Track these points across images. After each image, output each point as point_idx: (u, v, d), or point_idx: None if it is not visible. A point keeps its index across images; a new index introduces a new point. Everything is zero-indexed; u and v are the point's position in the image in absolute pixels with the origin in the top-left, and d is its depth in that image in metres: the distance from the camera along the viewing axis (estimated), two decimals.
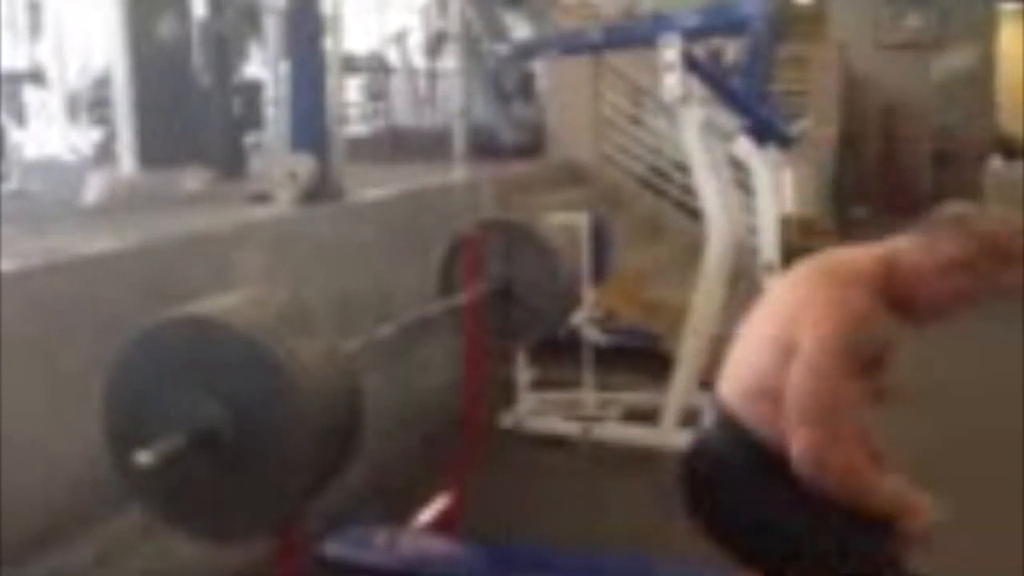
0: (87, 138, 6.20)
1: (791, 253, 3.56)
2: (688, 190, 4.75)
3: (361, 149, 5.63)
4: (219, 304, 1.72)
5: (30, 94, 7.24)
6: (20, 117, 6.70)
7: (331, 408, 1.68)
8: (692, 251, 3.94)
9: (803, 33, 8.20)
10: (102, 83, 5.85)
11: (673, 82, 3.66)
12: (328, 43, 3.84)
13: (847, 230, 9.45)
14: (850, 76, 9.92)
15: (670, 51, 3.60)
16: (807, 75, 8.97)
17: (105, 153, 5.27)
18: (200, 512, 1.71)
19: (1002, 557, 2.84)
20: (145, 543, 2.41)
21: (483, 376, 2.80)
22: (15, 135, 5.31)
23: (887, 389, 1.99)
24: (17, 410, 2.25)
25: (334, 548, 2.17)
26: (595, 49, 4.70)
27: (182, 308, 1.69)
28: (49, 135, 6.79)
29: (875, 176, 10.79)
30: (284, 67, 3.72)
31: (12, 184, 4.55)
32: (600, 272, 3.99)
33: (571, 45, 4.54)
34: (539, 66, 6.39)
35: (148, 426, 1.64)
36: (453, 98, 5.56)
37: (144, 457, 1.56)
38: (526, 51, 5.45)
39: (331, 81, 3.89)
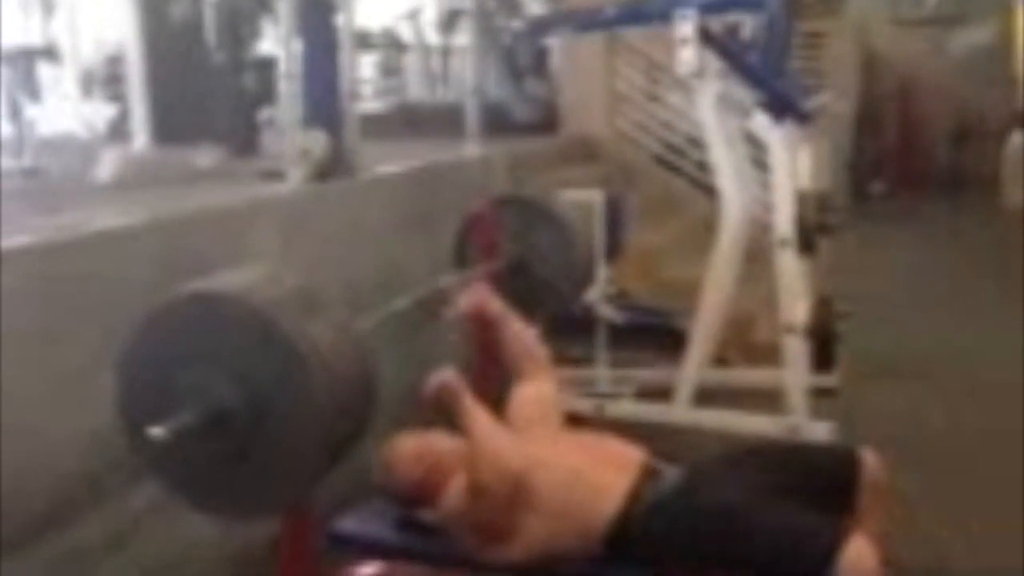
0: (101, 114, 6.19)
1: (807, 229, 3.53)
2: (703, 166, 4.72)
3: (374, 126, 5.60)
4: (231, 281, 1.71)
5: (45, 71, 7.23)
6: (35, 93, 6.69)
7: (343, 386, 1.68)
8: (707, 228, 3.90)
9: (821, 9, 8.12)
10: (116, 59, 5.85)
11: (688, 56, 3.61)
12: (340, 19, 3.82)
13: (864, 206, 9.41)
14: (868, 52, 9.83)
15: (686, 25, 3.55)
16: (824, 51, 8.89)
17: (119, 130, 5.27)
18: (212, 489, 1.71)
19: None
20: (159, 521, 2.42)
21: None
22: (29, 111, 5.30)
23: None
24: (30, 387, 2.25)
25: (347, 525, 2.16)
26: (610, 25, 4.65)
27: (194, 285, 1.68)
28: (64, 112, 6.79)
29: (893, 152, 10.72)
30: (296, 43, 3.69)
31: (26, 160, 4.55)
32: (614, 249, 3.97)
33: (586, 22, 4.49)
34: (553, 43, 6.34)
35: (161, 403, 1.64)
36: (467, 75, 5.52)
37: (156, 433, 1.56)
38: (540, 28, 5.40)
39: (344, 57, 3.86)
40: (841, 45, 8.98)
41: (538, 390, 2.31)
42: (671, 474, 2.01)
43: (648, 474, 2.01)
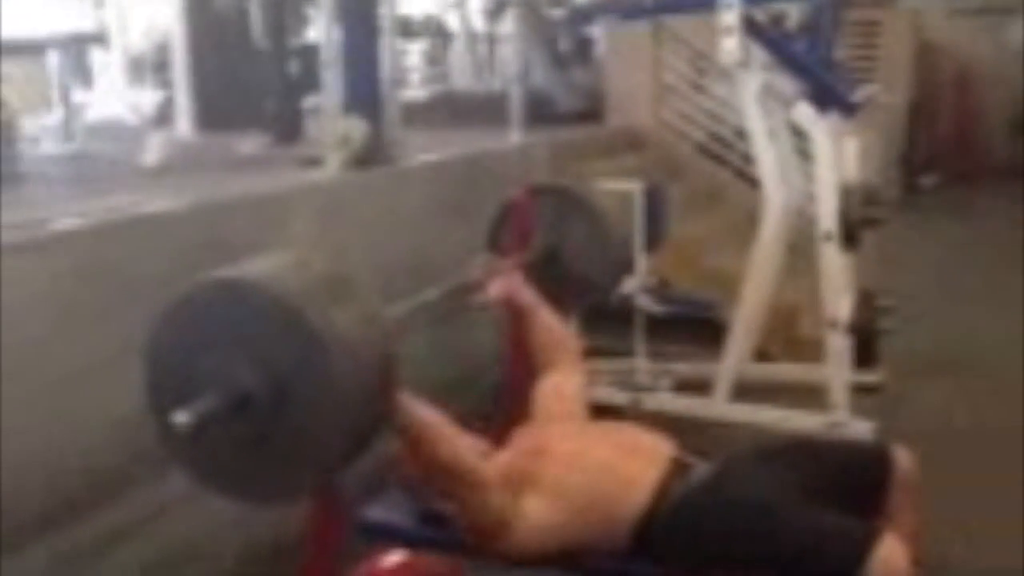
0: (150, 100, 6.27)
1: (851, 223, 3.46)
2: (749, 158, 4.65)
3: (418, 113, 5.62)
4: (257, 267, 1.71)
5: (97, 57, 7.35)
6: (86, 79, 6.80)
7: (366, 374, 1.67)
8: (751, 220, 3.85)
9: None
10: (165, 46, 5.92)
11: (732, 46, 3.56)
12: (382, 7, 3.82)
13: (914, 200, 9.23)
14: (923, 42, 9.62)
15: (730, 14, 3.50)
16: (878, 41, 8.74)
17: (166, 115, 5.34)
18: (236, 475, 1.72)
19: None
20: (194, 505, 2.44)
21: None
22: (79, 96, 5.39)
23: None
24: (74, 367, 2.29)
25: (375, 513, 2.17)
26: (653, 13, 4.61)
27: (219, 270, 1.68)
28: (114, 97, 6.89)
29: (948, 145, 10.50)
30: (338, 31, 3.70)
31: (74, 145, 4.63)
32: (654, 240, 3.93)
33: (629, 9, 4.45)
34: (597, 31, 6.30)
35: (187, 387, 1.64)
36: (512, 63, 5.51)
37: (181, 417, 1.57)
38: (583, 15, 5.36)
39: (384, 45, 3.87)
40: (895, 35, 8.82)
41: (563, 382, 2.30)
42: (700, 469, 1.99)
43: (677, 469, 1.98)
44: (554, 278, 2.83)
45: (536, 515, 1.93)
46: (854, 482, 1.96)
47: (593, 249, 2.85)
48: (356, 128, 3.54)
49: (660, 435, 2.11)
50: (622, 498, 1.93)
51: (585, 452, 2.03)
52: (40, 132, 4.76)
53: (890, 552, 1.70)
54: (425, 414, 1.84)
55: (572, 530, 1.93)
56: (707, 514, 1.88)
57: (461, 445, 1.89)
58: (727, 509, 1.87)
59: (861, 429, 3.40)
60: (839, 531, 1.77)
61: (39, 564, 2.21)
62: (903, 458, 2.00)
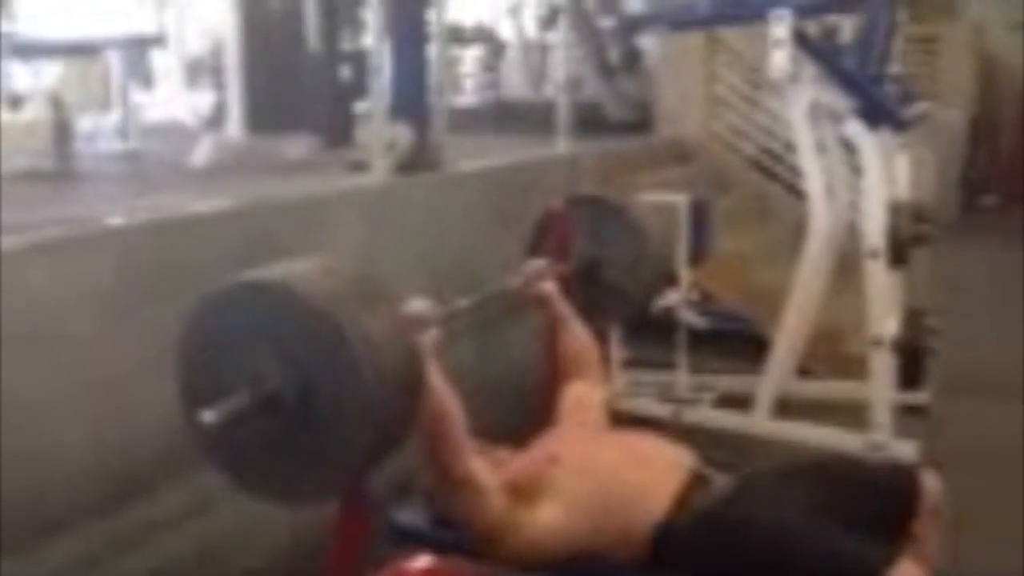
0: (206, 102, 6.38)
1: (899, 240, 3.41)
2: (799, 172, 4.60)
3: (468, 120, 5.64)
4: (288, 270, 1.73)
5: (158, 59, 7.50)
6: (146, 80, 6.94)
7: (395, 378, 1.68)
8: (800, 235, 3.81)
9: (934, 12, 7.85)
10: (221, 49, 6.02)
11: (781, 59, 3.53)
12: (432, 13, 3.85)
13: (972, 219, 9.05)
14: (985, 57, 9.44)
15: (780, 27, 3.47)
16: (938, 56, 8.59)
17: (220, 118, 5.42)
18: (265, 474, 1.73)
19: None
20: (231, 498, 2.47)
21: None
22: (138, 97, 5.50)
23: None
24: (115, 362, 2.33)
25: (403, 516, 2.17)
26: (704, 23, 4.58)
27: (251, 272, 1.71)
28: (173, 99, 7.03)
29: (1009, 164, 10.27)
30: (387, 37, 3.73)
31: (129, 145, 4.72)
32: (699, 253, 3.91)
33: (680, 19, 4.43)
34: (648, 41, 6.28)
35: (216, 387, 1.67)
36: (559, 71, 5.51)
37: (208, 416, 1.59)
38: (634, 25, 5.35)
39: (434, 51, 3.89)
40: (955, 49, 8.68)
41: (587, 392, 2.30)
42: (720, 483, 1.97)
43: (697, 482, 1.96)
44: (593, 289, 2.83)
45: (548, 519, 1.93)
46: (879, 504, 1.93)
47: (632, 261, 2.83)
48: (402, 134, 3.57)
49: (681, 447, 2.09)
50: (638, 508, 1.91)
51: (602, 460, 2.02)
52: (96, 131, 4.87)
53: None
54: (446, 405, 1.86)
55: (585, 536, 1.93)
56: (724, 530, 1.86)
57: (465, 447, 1.91)
58: (745, 526, 1.85)
59: (903, 450, 3.35)
60: (855, 554, 1.75)
61: (91, 549, 2.25)
62: (931, 482, 1.96)
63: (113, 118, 5.28)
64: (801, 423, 3.66)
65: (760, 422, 3.71)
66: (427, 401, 1.80)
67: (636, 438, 2.16)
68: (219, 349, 1.69)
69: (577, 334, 2.42)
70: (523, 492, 1.96)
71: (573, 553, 1.93)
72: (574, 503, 1.94)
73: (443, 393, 1.89)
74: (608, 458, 2.03)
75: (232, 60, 4.24)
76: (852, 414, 3.55)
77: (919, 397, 3.61)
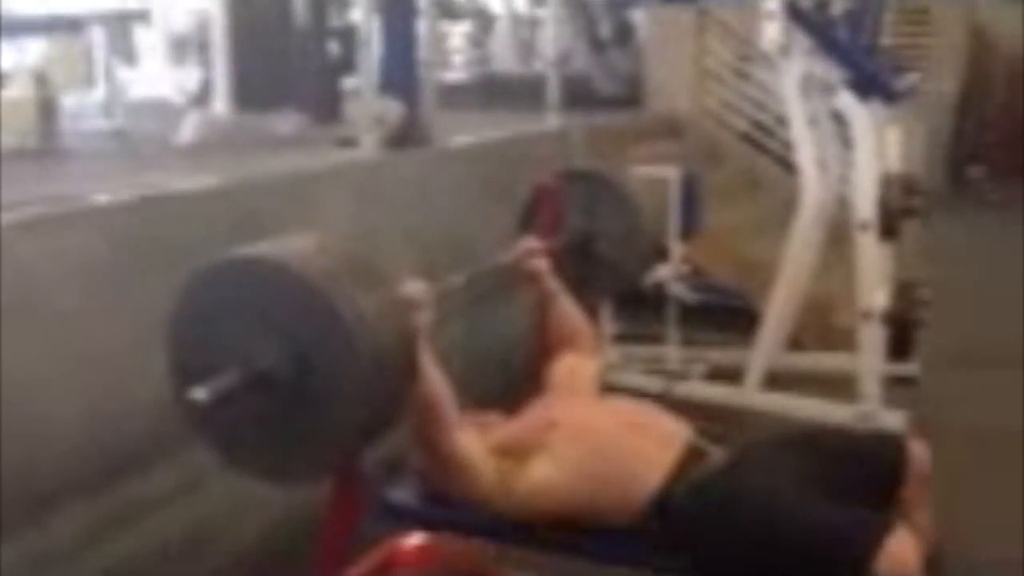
0: (192, 79, 6.32)
1: (889, 213, 3.40)
2: (790, 146, 4.59)
3: (459, 96, 5.61)
4: (280, 246, 1.71)
5: (143, 36, 7.42)
6: (130, 57, 6.87)
7: (389, 354, 1.67)
8: (790, 209, 3.81)
9: None
10: (207, 24, 5.96)
11: (774, 32, 3.51)
12: None
13: (959, 191, 9.06)
14: (975, 29, 9.42)
15: None
16: (928, 28, 8.57)
17: (207, 94, 5.37)
18: (257, 452, 1.72)
19: None
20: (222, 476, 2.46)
21: None
22: (122, 74, 5.44)
23: None
24: (104, 338, 2.31)
25: (396, 494, 2.17)
26: None
27: (243, 248, 1.69)
28: (158, 76, 6.96)
29: (997, 137, 10.27)
30: (376, 12, 3.70)
31: (114, 122, 4.67)
32: (689, 227, 3.90)
33: None
34: (639, 15, 6.24)
35: (208, 364, 1.65)
36: (548, 46, 5.48)
37: (199, 394, 1.57)
38: None
39: (423, 26, 3.86)
40: (946, 23, 8.65)
41: (579, 363, 2.31)
42: (716, 456, 1.97)
43: (693, 454, 1.97)
44: (584, 264, 2.81)
45: (544, 482, 1.94)
46: (869, 474, 1.93)
47: (624, 235, 2.82)
48: (391, 109, 3.54)
49: (678, 418, 2.09)
50: (635, 476, 1.92)
51: (600, 427, 2.03)
52: (81, 109, 4.82)
53: (901, 545, 1.67)
54: (436, 386, 1.88)
55: (580, 502, 1.93)
56: (719, 501, 1.86)
57: (455, 426, 1.92)
58: (740, 497, 1.85)
59: (892, 420, 3.36)
60: (850, 523, 1.75)
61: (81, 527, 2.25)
62: (919, 451, 1.96)
63: (98, 95, 5.22)
64: (791, 395, 3.67)
65: (750, 394, 3.72)
66: (418, 382, 1.79)
67: (634, 407, 2.16)
68: (210, 326, 1.68)
69: (568, 310, 2.42)
70: (520, 455, 1.97)
71: (561, 513, 1.93)
72: (571, 467, 1.94)
73: (434, 374, 1.89)
74: (606, 425, 2.03)
75: (218, 36, 4.20)
76: (841, 386, 3.56)
77: (908, 368, 3.62)
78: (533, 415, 2.13)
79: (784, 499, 1.82)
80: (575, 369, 2.30)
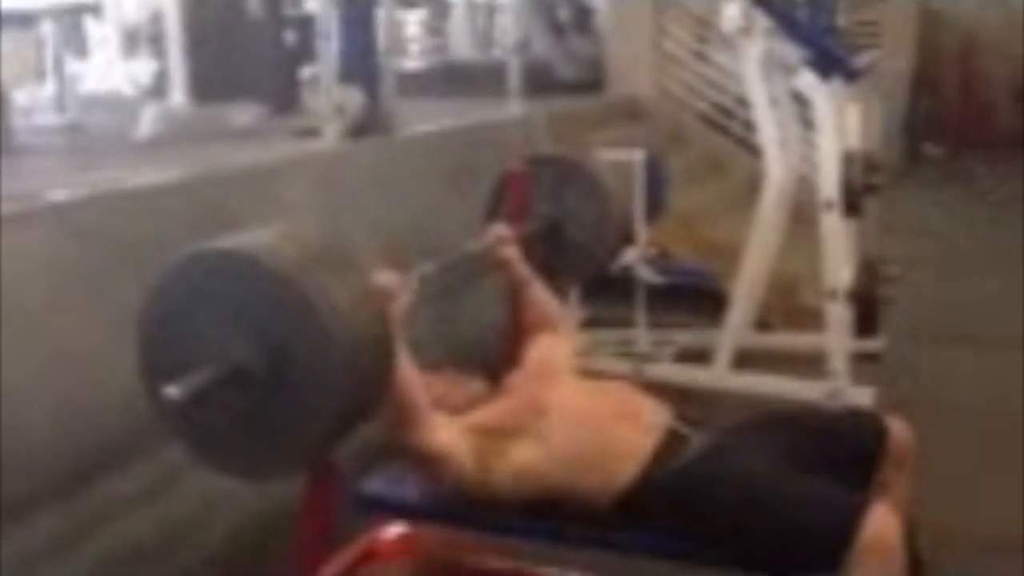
0: (146, 72, 6.22)
1: (852, 191, 3.43)
2: (751, 127, 4.62)
3: (416, 84, 5.57)
4: (251, 238, 1.68)
5: (93, 29, 7.28)
6: (81, 50, 6.75)
7: (363, 347, 1.65)
8: (753, 189, 3.82)
9: None
10: (160, 16, 5.86)
11: (734, 12, 3.52)
12: None
13: (917, 168, 9.18)
14: (927, 7, 9.52)
15: None
16: (880, 7, 8.64)
17: (161, 87, 5.29)
18: (232, 448, 1.70)
19: None
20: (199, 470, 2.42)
21: None
22: (74, 68, 5.33)
23: None
24: (66, 338, 2.27)
25: (372, 486, 2.15)
26: None
27: (210, 242, 1.66)
28: (111, 69, 6.84)
29: (952, 112, 10.41)
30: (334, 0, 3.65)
31: (68, 117, 4.58)
32: (655, 210, 3.90)
33: None
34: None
35: (180, 360, 1.62)
36: (509, 32, 5.45)
37: (173, 391, 1.54)
38: None
39: (382, 14, 3.82)
40: (898, 2, 8.73)
41: (554, 345, 2.30)
42: (696, 440, 1.97)
43: (673, 436, 1.97)
44: (553, 249, 2.81)
45: (525, 463, 1.93)
46: (847, 451, 1.94)
47: (592, 220, 2.81)
48: (352, 98, 3.50)
49: (658, 402, 2.09)
50: (617, 460, 1.91)
51: (590, 411, 2.02)
52: (33, 104, 4.72)
53: (881, 522, 1.68)
54: (410, 378, 1.87)
55: (562, 484, 1.92)
56: (699, 485, 1.86)
57: (429, 419, 1.91)
58: (720, 480, 1.85)
59: (861, 396, 3.39)
60: (829, 502, 1.76)
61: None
62: (897, 427, 1.98)
63: (49, 90, 5.12)
64: (761, 374, 3.70)
65: (720, 375, 3.73)
66: (393, 374, 1.78)
67: (617, 390, 2.15)
68: (181, 322, 1.65)
69: (541, 296, 2.41)
70: (504, 436, 1.96)
71: (539, 495, 1.93)
72: (557, 451, 1.93)
73: (406, 364, 1.87)
74: (595, 410, 2.02)
75: (172, 27, 4.13)
76: (809, 364, 3.59)
77: (874, 345, 3.65)
78: (520, 396, 2.11)
79: (764, 480, 1.83)
80: (552, 351, 2.29)
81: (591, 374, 2.43)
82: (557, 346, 2.31)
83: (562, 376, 2.21)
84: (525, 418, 2.00)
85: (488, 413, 2.02)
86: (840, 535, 1.67)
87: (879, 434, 1.96)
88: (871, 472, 1.92)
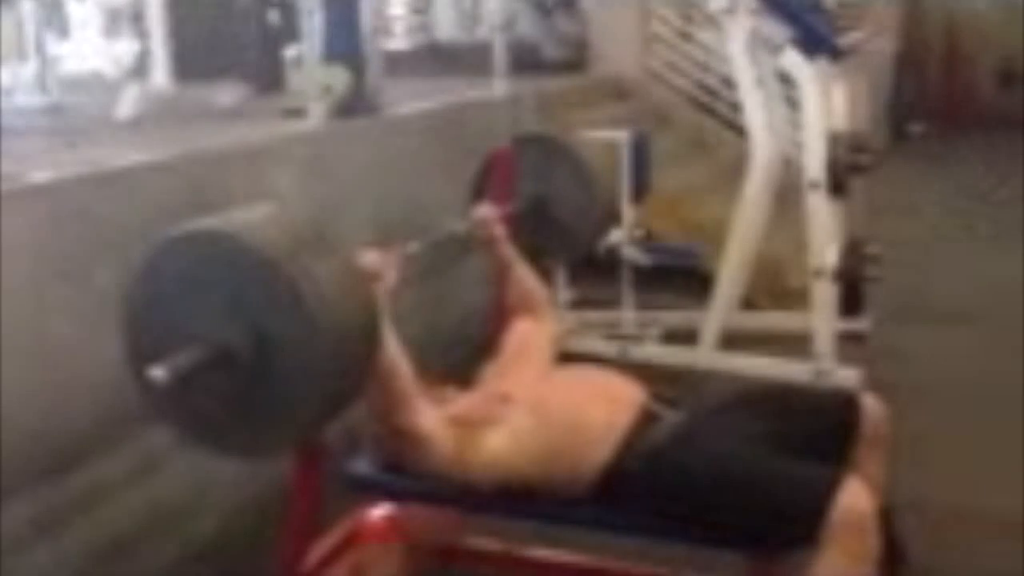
0: (128, 52, 6.16)
1: (838, 170, 3.43)
2: (737, 107, 4.61)
3: (402, 64, 5.53)
4: (236, 219, 1.67)
5: (74, 8, 7.20)
6: (62, 30, 6.68)
7: (348, 328, 1.64)
8: (739, 169, 3.82)
9: None
10: None
11: None
12: None
13: (902, 147, 9.20)
14: None
15: None
16: None
17: (143, 68, 5.24)
18: (217, 429, 1.69)
19: None
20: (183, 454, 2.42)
21: None
22: (55, 48, 5.27)
23: None
24: (50, 321, 2.26)
25: (359, 467, 2.15)
26: None
27: (195, 223, 1.65)
28: (92, 49, 6.76)
29: (935, 93, 10.44)
30: None
31: (49, 98, 4.53)
32: (641, 190, 3.90)
33: None
34: None
35: (164, 342, 1.61)
36: (494, 12, 5.41)
37: (158, 373, 1.54)
38: None
39: None
40: None
41: (533, 330, 2.30)
42: (669, 419, 1.97)
43: (646, 417, 1.97)
44: (539, 230, 2.80)
45: (497, 455, 1.93)
46: (821, 430, 1.94)
47: (578, 200, 2.81)
48: (338, 78, 3.47)
49: (630, 381, 2.09)
50: (588, 444, 1.91)
51: (552, 397, 2.02)
52: (14, 85, 4.67)
53: (853, 498, 1.68)
54: (395, 357, 1.86)
55: (534, 472, 1.93)
56: (673, 463, 1.86)
57: (413, 399, 1.91)
58: (693, 458, 1.85)
59: (846, 377, 3.41)
60: (802, 478, 1.76)
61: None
62: (872, 406, 1.98)
63: (29, 70, 5.06)
64: (746, 354, 3.71)
65: (706, 355, 3.75)
66: (379, 353, 1.77)
67: (586, 374, 2.15)
68: (165, 303, 1.64)
69: (525, 277, 2.41)
70: (473, 429, 1.96)
71: (516, 483, 1.93)
72: (524, 439, 1.93)
73: (393, 344, 1.87)
74: (558, 395, 2.03)
75: (154, 7, 4.08)
76: (795, 344, 3.60)
77: (859, 325, 3.67)
78: (486, 387, 2.12)
79: (737, 457, 1.83)
80: (528, 337, 2.29)
81: (571, 357, 2.43)
82: (534, 334, 2.31)
83: (536, 363, 2.22)
84: (492, 409, 2.00)
85: (458, 406, 2.02)
86: (813, 511, 1.67)
87: (852, 412, 1.96)
88: (844, 450, 1.92)
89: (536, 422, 1.95)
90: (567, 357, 2.53)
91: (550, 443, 1.93)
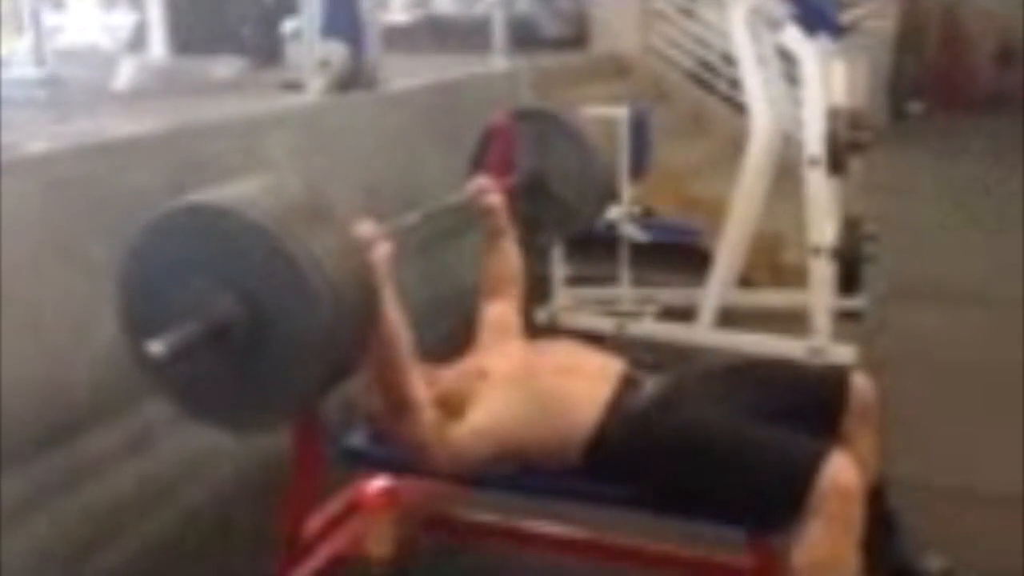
0: (125, 24, 6.12)
1: (837, 147, 3.43)
2: (737, 84, 4.59)
3: (400, 39, 5.51)
4: (233, 192, 1.66)
5: None
6: (59, 3, 6.63)
7: (345, 299, 1.64)
8: (738, 146, 3.82)
9: None
10: None
11: None
12: None
13: (901, 125, 9.19)
14: None
15: None
16: None
17: (141, 40, 5.20)
18: (216, 402, 1.69)
19: None
20: (178, 427, 2.42)
21: None
22: (51, 20, 5.23)
23: None
24: (44, 294, 2.25)
25: (357, 440, 2.16)
26: None
27: (193, 195, 1.64)
28: (88, 22, 6.72)
29: (935, 71, 10.41)
30: None
31: (45, 70, 4.49)
32: (640, 166, 3.89)
33: None
34: None
35: (162, 315, 1.61)
36: None
37: (156, 347, 1.53)
38: None
39: None
40: None
41: (507, 311, 2.32)
42: (650, 387, 1.98)
43: (628, 384, 1.97)
44: (537, 205, 2.80)
45: (477, 431, 1.94)
46: (807, 404, 1.94)
47: (577, 175, 2.80)
48: (336, 52, 3.45)
49: (608, 352, 2.10)
50: (570, 417, 1.92)
51: (529, 371, 2.03)
52: (10, 57, 4.63)
53: (840, 470, 1.68)
54: (396, 327, 1.84)
55: (515, 447, 1.94)
56: (656, 432, 1.86)
57: (412, 370, 1.89)
58: (676, 427, 1.86)
59: (842, 354, 3.42)
60: (788, 449, 1.75)
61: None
62: (861, 383, 1.98)
63: (26, 43, 5.01)
64: (743, 331, 3.72)
65: (703, 332, 3.76)
66: (379, 323, 1.77)
67: (563, 347, 2.16)
68: (162, 276, 1.63)
69: (508, 251, 2.41)
70: (452, 406, 1.97)
71: (501, 460, 1.94)
72: (502, 415, 1.94)
73: (394, 312, 1.86)
74: (535, 370, 2.03)
75: None
76: (792, 321, 3.61)
77: (856, 303, 3.67)
78: (463, 365, 2.13)
79: (724, 428, 1.83)
80: (502, 318, 2.30)
81: (571, 333, 2.44)
82: (506, 313, 2.32)
83: (511, 339, 2.24)
84: (468, 387, 2.01)
85: (438, 387, 2.02)
86: (799, 481, 1.67)
87: (840, 387, 1.96)
88: (831, 425, 1.92)
89: (515, 393, 1.97)
90: (565, 333, 2.54)
91: (531, 412, 1.94)
